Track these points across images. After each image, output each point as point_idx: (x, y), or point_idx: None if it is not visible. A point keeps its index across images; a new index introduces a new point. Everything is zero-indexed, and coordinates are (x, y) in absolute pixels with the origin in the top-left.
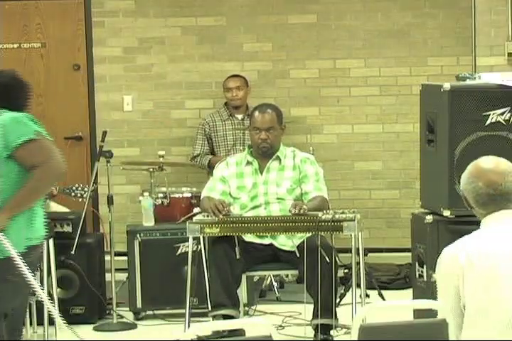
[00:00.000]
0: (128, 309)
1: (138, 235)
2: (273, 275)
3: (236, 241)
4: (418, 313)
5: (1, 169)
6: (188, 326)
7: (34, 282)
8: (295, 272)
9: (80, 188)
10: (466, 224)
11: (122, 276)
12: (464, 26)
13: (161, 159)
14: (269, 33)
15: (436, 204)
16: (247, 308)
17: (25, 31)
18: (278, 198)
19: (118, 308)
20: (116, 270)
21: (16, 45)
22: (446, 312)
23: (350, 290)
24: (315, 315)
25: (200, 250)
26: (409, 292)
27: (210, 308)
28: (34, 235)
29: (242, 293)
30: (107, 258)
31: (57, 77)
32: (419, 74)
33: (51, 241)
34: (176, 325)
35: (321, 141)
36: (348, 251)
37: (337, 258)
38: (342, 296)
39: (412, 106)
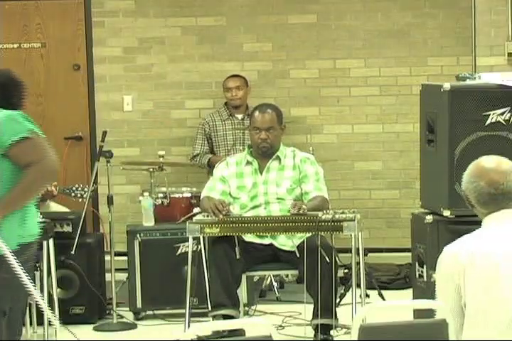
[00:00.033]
0: (128, 309)
1: (138, 235)
2: (273, 275)
3: (236, 241)
4: (418, 313)
5: None
6: (188, 326)
7: (27, 281)
8: (295, 272)
9: (80, 189)
10: (466, 224)
11: (122, 276)
12: (464, 26)
13: (161, 159)
14: (269, 33)
15: (436, 204)
16: (247, 308)
17: (25, 31)
18: (278, 198)
19: (118, 308)
20: (116, 270)
21: (16, 45)
22: (446, 312)
23: (350, 290)
24: (315, 315)
25: (200, 250)
26: (409, 292)
27: (210, 308)
28: (27, 233)
29: (242, 293)
30: (107, 258)
31: (57, 77)
32: (419, 74)
33: (51, 241)
34: (176, 325)
35: (321, 141)
36: (348, 251)
37: (337, 258)
38: (342, 296)
39: (412, 106)
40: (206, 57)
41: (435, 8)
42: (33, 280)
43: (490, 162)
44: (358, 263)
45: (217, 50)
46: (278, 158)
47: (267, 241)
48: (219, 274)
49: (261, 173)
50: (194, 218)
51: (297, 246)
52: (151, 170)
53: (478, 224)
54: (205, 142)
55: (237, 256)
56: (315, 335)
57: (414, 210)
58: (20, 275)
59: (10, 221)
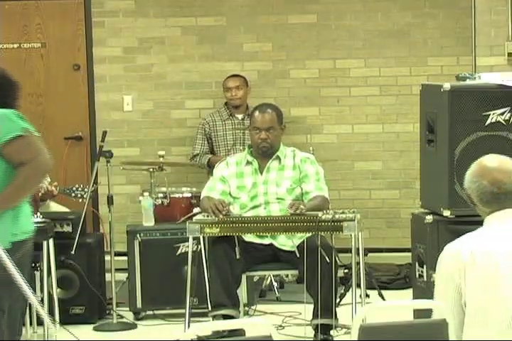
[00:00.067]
0: (128, 309)
1: (138, 235)
2: (273, 275)
3: (236, 241)
4: (418, 313)
5: None
6: (188, 326)
7: (21, 280)
8: (295, 272)
9: (80, 189)
10: (466, 224)
11: (122, 276)
12: (464, 26)
13: (161, 159)
14: (269, 33)
15: (436, 204)
16: (247, 308)
17: (25, 31)
18: (278, 198)
19: (118, 308)
20: (116, 270)
21: (16, 45)
22: (445, 312)
23: (350, 290)
24: (315, 315)
25: (200, 250)
26: (409, 292)
27: (210, 308)
28: (20, 230)
29: (242, 293)
30: (107, 258)
31: (57, 77)
32: (419, 74)
33: (51, 241)
34: (176, 325)
35: (321, 141)
36: (348, 251)
37: (337, 258)
38: (342, 296)
39: (412, 106)
40: (206, 57)
41: (435, 8)
42: (33, 280)
43: (493, 161)
44: (358, 263)
45: (217, 50)
46: (278, 158)
47: (267, 241)
48: (219, 274)
49: (261, 173)
50: (194, 218)
51: (297, 246)
52: (151, 170)
53: (478, 224)
54: (205, 142)
55: (237, 256)
56: (315, 335)
57: (414, 210)
58: (14, 275)
59: (2, 219)
